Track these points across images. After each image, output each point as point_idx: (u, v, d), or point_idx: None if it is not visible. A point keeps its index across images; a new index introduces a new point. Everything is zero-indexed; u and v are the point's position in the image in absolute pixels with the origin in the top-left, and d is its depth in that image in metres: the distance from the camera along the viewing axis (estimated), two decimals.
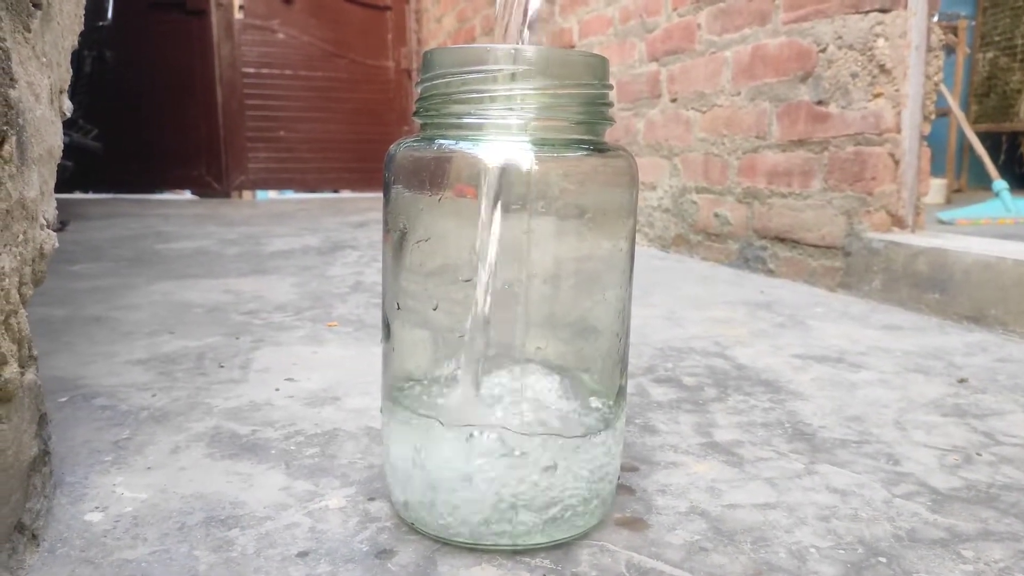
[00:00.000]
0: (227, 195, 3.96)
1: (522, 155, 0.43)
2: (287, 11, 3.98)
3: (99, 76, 2.74)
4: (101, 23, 2.60)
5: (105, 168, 3.41)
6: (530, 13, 0.47)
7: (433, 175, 0.44)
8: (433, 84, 0.44)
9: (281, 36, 3.98)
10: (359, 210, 3.18)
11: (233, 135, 3.92)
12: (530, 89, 0.43)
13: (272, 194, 4.24)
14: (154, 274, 1.47)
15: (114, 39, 2.88)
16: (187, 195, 4.08)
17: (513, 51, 0.43)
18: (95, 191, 3.93)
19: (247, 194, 4.04)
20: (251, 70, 3.92)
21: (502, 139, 0.43)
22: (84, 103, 2.60)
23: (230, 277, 1.45)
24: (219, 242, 2.01)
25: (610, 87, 0.47)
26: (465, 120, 0.43)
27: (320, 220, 2.71)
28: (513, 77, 0.42)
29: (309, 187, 4.26)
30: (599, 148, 0.46)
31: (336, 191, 4.37)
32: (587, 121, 0.45)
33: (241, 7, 3.87)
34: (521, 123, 0.43)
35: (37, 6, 0.48)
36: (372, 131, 4.15)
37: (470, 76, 0.43)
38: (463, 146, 0.43)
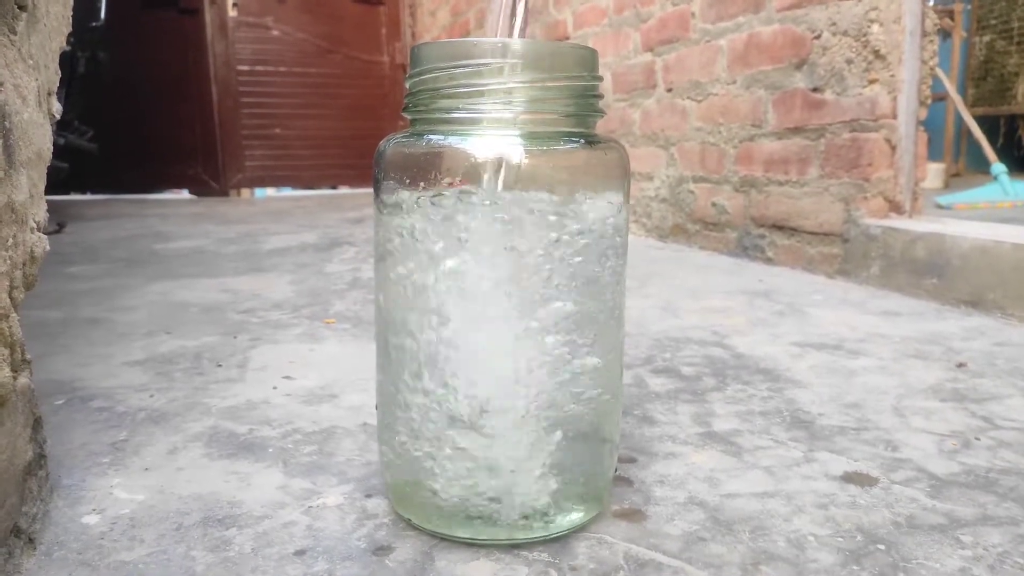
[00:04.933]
0: (225, 193, 3.95)
1: (512, 149, 0.42)
2: (281, 8, 3.96)
3: (93, 77, 2.73)
4: (94, 24, 2.59)
5: (101, 169, 3.41)
6: (520, 7, 0.46)
7: (423, 170, 0.44)
8: (421, 79, 0.44)
9: (275, 33, 3.96)
10: (357, 206, 3.17)
11: (229, 133, 3.91)
12: (519, 82, 0.42)
13: (270, 191, 4.23)
14: (151, 274, 1.47)
15: (107, 39, 2.87)
16: (185, 194, 4.07)
17: (501, 44, 0.42)
18: (92, 192, 3.92)
19: (245, 192, 4.03)
20: (246, 67, 3.91)
21: (491, 133, 0.43)
22: (79, 104, 2.59)
23: (227, 276, 1.45)
24: (216, 241, 2.00)
25: (600, 79, 0.46)
26: (454, 115, 0.43)
27: (318, 217, 2.70)
28: (502, 71, 0.42)
29: (307, 184, 4.25)
30: (590, 140, 0.45)
31: (334, 187, 4.36)
32: (577, 114, 0.45)
33: (235, 5, 3.85)
34: (510, 117, 0.42)
35: (22, 8, 0.48)
36: (368, 126, 4.13)
37: (458, 71, 0.43)
38: (452, 141, 0.43)
